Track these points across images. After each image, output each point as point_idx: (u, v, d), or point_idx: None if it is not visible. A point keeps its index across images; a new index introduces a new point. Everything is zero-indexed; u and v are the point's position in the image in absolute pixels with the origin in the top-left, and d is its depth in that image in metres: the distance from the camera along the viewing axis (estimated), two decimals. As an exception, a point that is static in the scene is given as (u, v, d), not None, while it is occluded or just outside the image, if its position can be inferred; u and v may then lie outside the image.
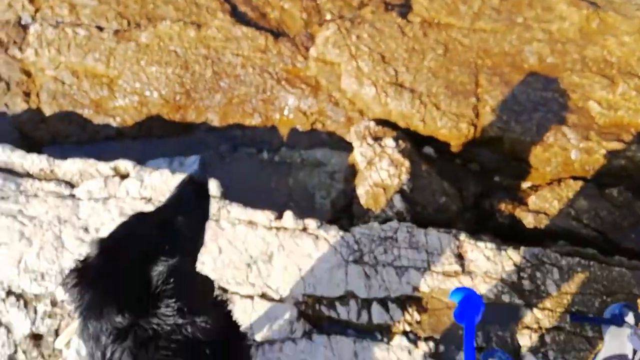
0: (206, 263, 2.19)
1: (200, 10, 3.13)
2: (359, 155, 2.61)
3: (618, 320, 2.07)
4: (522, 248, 2.30)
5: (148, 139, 2.66)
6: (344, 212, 2.45)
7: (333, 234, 2.28)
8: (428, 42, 2.93)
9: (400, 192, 2.51)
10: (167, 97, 2.71)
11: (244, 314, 2.09)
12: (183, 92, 2.73)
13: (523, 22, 3.01)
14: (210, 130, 2.66)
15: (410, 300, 2.17)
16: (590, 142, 2.69)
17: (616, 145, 2.68)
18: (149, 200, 2.33)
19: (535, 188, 2.64)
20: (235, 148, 2.58)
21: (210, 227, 2.26)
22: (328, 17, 3.12)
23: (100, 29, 2.97)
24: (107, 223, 2.21)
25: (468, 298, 1.42)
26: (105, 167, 2.40)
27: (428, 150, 2.72)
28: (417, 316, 2.13)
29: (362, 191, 2.51)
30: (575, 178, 2.65)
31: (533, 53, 2.92)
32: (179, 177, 2.37)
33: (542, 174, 2.68)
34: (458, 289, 1.46)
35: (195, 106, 2.69)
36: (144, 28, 2.99)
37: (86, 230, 2.19)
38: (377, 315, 2.12)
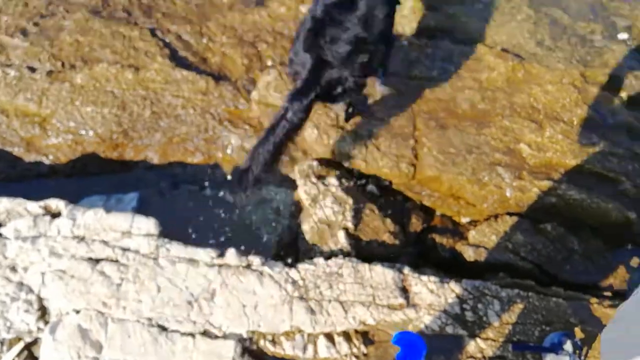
0: (144, 301, 2.31)
1: (138, 53, 3.42)
2: (303, 193, 2.89)
3: (557, 349, 2.38)
4: (464, 281, 2.60)
5: (83, 177, 2.81)
6: (290, 248, 2.67)
7: (278, 270, 2.48)
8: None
9: (345, 228, 2.78)
10: (103, 135, 2.91)
11: (184, 352, 2.21)
12: (120, 131, 2.94)
13: (455, 71, 3.54)
14: (149, 168, 2.85)
15: (357, 334, 2.38)
16: (523, 181, 3.13)
17: (547, 184, 3.13)
18: (82, 239, 2.45)
19: (474, 223, 3.01)
20: (176, 185, 2.78)
21: (147, 266, 2.42)
22: (269, 63, 3.51)
23: (33, 69, 3.18)
24: (36, 262, 2.30)
25: (411, 343, 1.61)
26: (34, 206, 2.51)
27: (371, 188, 3.05)
28: (363, 349, 2.33)
29: (307, 227, 2.76)
30: (511, 214, 3.05)
31: (465, 100, 3.42)
32: (114, 216, 2.52)
33: (480, 210, 3.06)
34: (401, 334, 1.64)
35: (133, 145, 2.89)
36: (79, 70, 3.22)
37: (13, 269, 2.27)
38: (324, 349, 2.30)
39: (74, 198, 2.49)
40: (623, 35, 3.93)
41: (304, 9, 3.76)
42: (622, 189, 3.17)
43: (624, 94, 3.62)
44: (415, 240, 2.89)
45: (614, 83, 3.66)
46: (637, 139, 3.42)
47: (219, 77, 3.41)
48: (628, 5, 4.08)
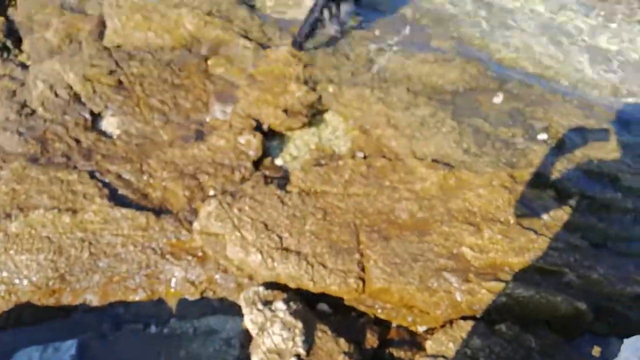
0: None
1: (76, 196, 3.49)
2: (250, 322, 2.85)
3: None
4: (425, 396, 2.55)
5: (18, 328, 2.69)
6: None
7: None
8: (307, 208, 3.51)
9: (297, 355, 2.73)
10: (38, 283, 2.85)
11: None
12: (57, 276, 2.90)
13: (390, 184, 3.75)
14: (89, 311, 2.78)
15: None
16: (471, 284, 3.21)
17: (495, 285, 3.22)
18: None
19: (430, 331, 3.01)
20: (118, 326, 2.70)
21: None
22: (211, 192, 3.63)
23: (-36, 223, 3.17)
24: None
25: None
26: (-43, 368, 2.38)
27: (322, 307, 3.05)
28: None
29: (257, 359, 2.69)
30: (465, 318, 3.08)
31: (404, 210, 3.60)
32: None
33: (434, 318, 3.08)
34: None
35: (71, 289, 2.84)
36: (15, 218, 3.24)
37: None
38: None
39: (9, 351, 2.37)
40: (542, 136, 4.32)
41: (242, 139, 4.00)
42: (567, 280, 3.30)
43: (552, 189, 3.90)
44: (372, 357, 2.85)
45: (541, 180, 3.96)
46: (573, 230, 3.62)
47: (160, 211, 3.48)
48: (542, 109, 4.54)
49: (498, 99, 4.66)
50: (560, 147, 4.26)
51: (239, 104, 4.23)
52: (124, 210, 3.41)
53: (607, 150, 4.21)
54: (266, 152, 4.12)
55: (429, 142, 4.13)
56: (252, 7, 5.43)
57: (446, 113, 4.41)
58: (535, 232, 3.51)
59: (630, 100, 4.84)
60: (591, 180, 4.05)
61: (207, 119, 4.25)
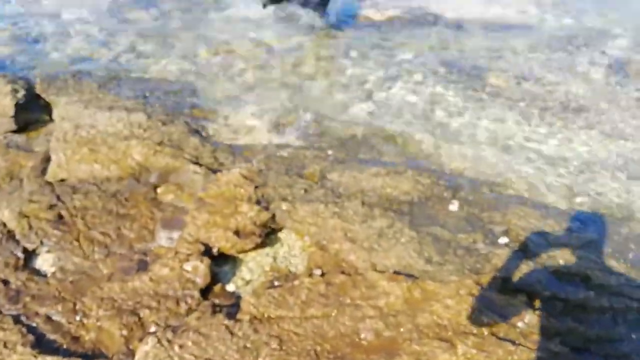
0: None
1: (-4, 346, 2.99)
2: None
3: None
4: None
5: None
6: None
7: None
8: (260, 337, 3.07)
9: None
10: None
11: None
12: None
13: (351, 302, 3.39)
14: None
15: None
16: (450, 411, 2.76)
17: (477, 409, 2.78)
18: None
19: None
20: None
21: None
22: (152, 329, 3.18)
23: None
24: None
25: None
26: None
27: None
28: None
29: None
30: None
31: (368, 330, 3.20)
32: None
33: None
34: None
35: None
36: None
37: None
38: None
39: None
40: (503, 240, 4.11)
41: (188, 266, 3.64)
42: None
43: (522, 294, 3.60)
44: None
45: (509, 285, 3.67)
46: (551, 336, 3.28)
47: (92, 356, 2.99)
48: (499, 213, 4.39)
49: (453, 206, 4.52)
50: (523, 250, 4.04)
51: (187, 229, 3.94)
52: (49, 359, 2.91)
53: (572, 249, 4.01)
54: (216, 278, 3.75)
55: (389, 253, 3.86)
56: (204, 136, 5.37)
57: (404, 223, 4.21)
58: (512, 342, 3.15)
59: (583, 200, 4.76)
60: (561, 281, 3.79)
61: (152, 248, 3.91)
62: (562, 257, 3.93)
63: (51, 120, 5.54)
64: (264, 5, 7.80)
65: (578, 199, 4.74)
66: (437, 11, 8.82)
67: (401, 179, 4.68)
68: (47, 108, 5.76)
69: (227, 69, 6.88)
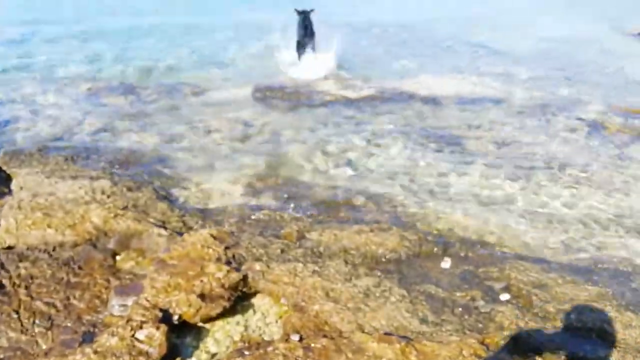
0: None
1: None
2: None
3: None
4: None
5: None
6: None
7: None
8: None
9: None
10: None
11: None
12: None
13: (336, 367, 2.75)
14: None
15: None
16: None
17: None
18: None
19: None
20: None
21: None
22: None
23: None
24: None
25: None
26: None
27: None
28: None
29: None
30: None
31: (358, 400, 2.55)
32: None
33: None
34: None
35: None
36: None
37: None
38: None
39: None
40: (505, 296, 3.57)
41: (141, 335, 2.99)
42: None
43: (534, 354, 3.00)
44: None
45: (519, 344, 3.08)
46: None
47: None
48: (496, 268, 3.88)
49: (446, 263, 4.00)
50: (528, 305, 3.48)
51: (144, 293, 3.32)
52: None
53: (581, 301, 3.46)
54: (176, 351, 3.08)
55: (378, 313, 3.27)
56: (173, 201, 4.88)
57: (392, 282, 3.66)
58: (534, 410, 2.50)
59: (584, 254, 4.30)
60: (576, 337, 3.20)
61: (103, 318, 3.27)
62: (574, 312, 3.37)
63: (9, 192, 5.02)
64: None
65: (580, 254, 4.27)
66: (411, 90, 8.83)
67: (386, 235, 4.19)
68: (7, 181, 5.26)
69: (202, 142, 6.55)
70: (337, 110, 7.73)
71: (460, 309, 3.42)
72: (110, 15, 17.23)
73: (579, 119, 7.29)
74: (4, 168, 5.41)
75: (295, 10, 9.97)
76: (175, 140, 6.60)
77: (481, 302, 3.50)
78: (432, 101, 8.18)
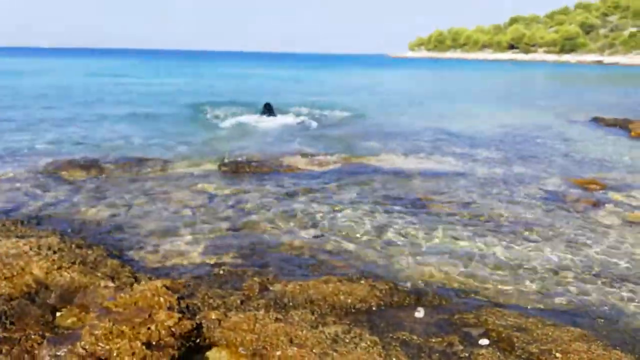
0: None
1: None
2: None
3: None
4: None
5: None
6: None
7: None
8: None
9: None
10: None
11: None
12: None
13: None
14: None
15: None
16: None
17: None
18: None
19: None
20: None
21: None
22: None
23: None
24: None
25: None
26: None
27: None
28: None
29: None
30: None
31: None
32: None
33: None
34: None
35: None
36: None
37: None
38: None
39: None
40: (484, 341, 3.27)
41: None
42: None
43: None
44: None
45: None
46: None
47: None
48: (472, 315, 3.60)
49: (420, 313, 3.71)
50: (510, 348, 3.19)
51: (80, 342, 2.88)
52: None
53: (565, 341, 3.19)
54: (113, 405, 2.61)
55: (347, 358, 2.91)
56: (125, 260, 4.50)
57: (362, 329, 3.33)
58: None
59: (562, 300, 4.09)
60: (565, 378, 2.89)
61: (29, 370, 2.79)
62: (558, 351, 3.09)
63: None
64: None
65: (556, 299, 4.05)
66: (375, 163, 8.91)
67: (355, 285, 3.90)
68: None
69: (162, 211, 6.26)
70: (303, 182, 7.63)
71: (437, 354, 3.10)
72: (78, 103, 17.36)
73: (540, 189, 7.39)
74: (-57, 231, 4.95)
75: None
76: (134, 209, 6.29)
77: (460, 347, 3.19)
78: (397, 174, 8.22)
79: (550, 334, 3.29)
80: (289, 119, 14.98)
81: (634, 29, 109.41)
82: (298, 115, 15.92)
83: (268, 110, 15.51)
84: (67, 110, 15.96)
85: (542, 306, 3.90)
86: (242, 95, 22.81)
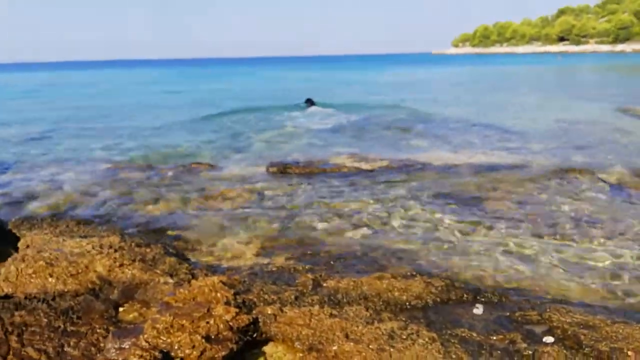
0: None
1: None
2: None
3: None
4: None
5: None
6: None
7: None
8: None
9: None
10: None
11: None
12: None
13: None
14: None
15: None
16: None
17: None
18: None
19: None
20: None
21: None
22: None
23: None
24: None
25: None
26: None
27: None
28: None
29: None
30: None
31: None
32: None
33: None
34: None
35: None
36: None
37: None
38: None
39: None
40: (548, 339, 3.12)
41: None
42: None
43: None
44: None
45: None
46: None
47: None
48: (534, 312, 3.44)
49: (478, 310, 3.58)
50: (577, 346, 3.02)
51: (144, 334, 2.95)
52: None
53: (637, 339, 2.99)
54: (176, 397, 2.65)
55: (404, 354, 2.84)
56: (183, 258, 4.60)
57: (419, 326, 3.24)
58: None
59: (629, 301, 3.84)
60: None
61: (97, 362, 2.88)
62: (632, 349, 2.90)
63: (16, 251, 4.79)
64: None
65: (626, 300, 3.82)
66: (424, 160, 8.74)
67: (410, 282, 3.82)
68: (15, 242, 5.05)
69: (216, 209, 6.38)
70: (351, 180, 7.58)
71: (499, 352, 2.98)
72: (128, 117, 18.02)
73: (601, 180, 7.02)
74: (14, 231, 5.23)
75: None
76: (189, 207, 6.43)
77: (523, 345, 3.05)
78: (447, 169, 8.03)
79: (620, 331, 3.09)
80: (334, 118, 14.99)
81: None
82: (344, 113, 15.92)
83: (311, 103, 16.36)
84: (124, 119, 16.58)
85: (610, 304, 3.69)
86: (284, 96, 23.03)
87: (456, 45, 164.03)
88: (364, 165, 8.46)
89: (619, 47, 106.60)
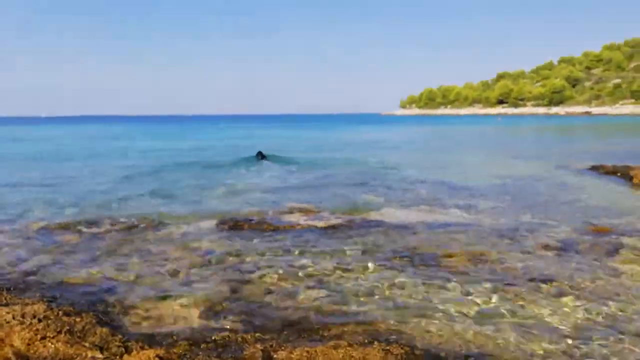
0: None
1: None
2: None
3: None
4: None
5: None
6: None
7: None
8: None
9: None
10: None
11: None
12: None
13: None
14: None
15: None
16: None
17: None
18: None
19: None
20: None
21: None
22: None
23: None
24: None
25: None
26: None
27: None
28: None
29: None
30: None
31: None
32: None
33: None
34: None
35: None
36: None
37: None
38: None
39: None
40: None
41: None
42: None
43: None
44: None
45: None
46: None
47: None
48: None
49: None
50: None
51: None
52: None
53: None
54: None
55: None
56: (116, 327, 4.15)
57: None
58: None
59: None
60: None
61: None
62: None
63: None
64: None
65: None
66: (379, 217, 8.66)
67: (368, 350, 3.55)
68: None
69: (158, 272, 5.93)
70: (305, 238, 7.34)
71: None
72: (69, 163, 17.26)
73: (551, 238, 7.12)
74: None
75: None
76: (128, 270, 5.96)
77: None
78: (401, 227, 7.95)
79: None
80: (286, 173, 14.88)
81: (617, 81, 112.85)
82: (296, 168, 15.86)
83: (262, 156, 16.80)
84: (64, 170, 15.81)
85: (573, 368, 3.54)
86: (237, 151, 22.86)
87: (404, 107, 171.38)
88: (318, 223, 8.26)
89: (554, 110, 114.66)
